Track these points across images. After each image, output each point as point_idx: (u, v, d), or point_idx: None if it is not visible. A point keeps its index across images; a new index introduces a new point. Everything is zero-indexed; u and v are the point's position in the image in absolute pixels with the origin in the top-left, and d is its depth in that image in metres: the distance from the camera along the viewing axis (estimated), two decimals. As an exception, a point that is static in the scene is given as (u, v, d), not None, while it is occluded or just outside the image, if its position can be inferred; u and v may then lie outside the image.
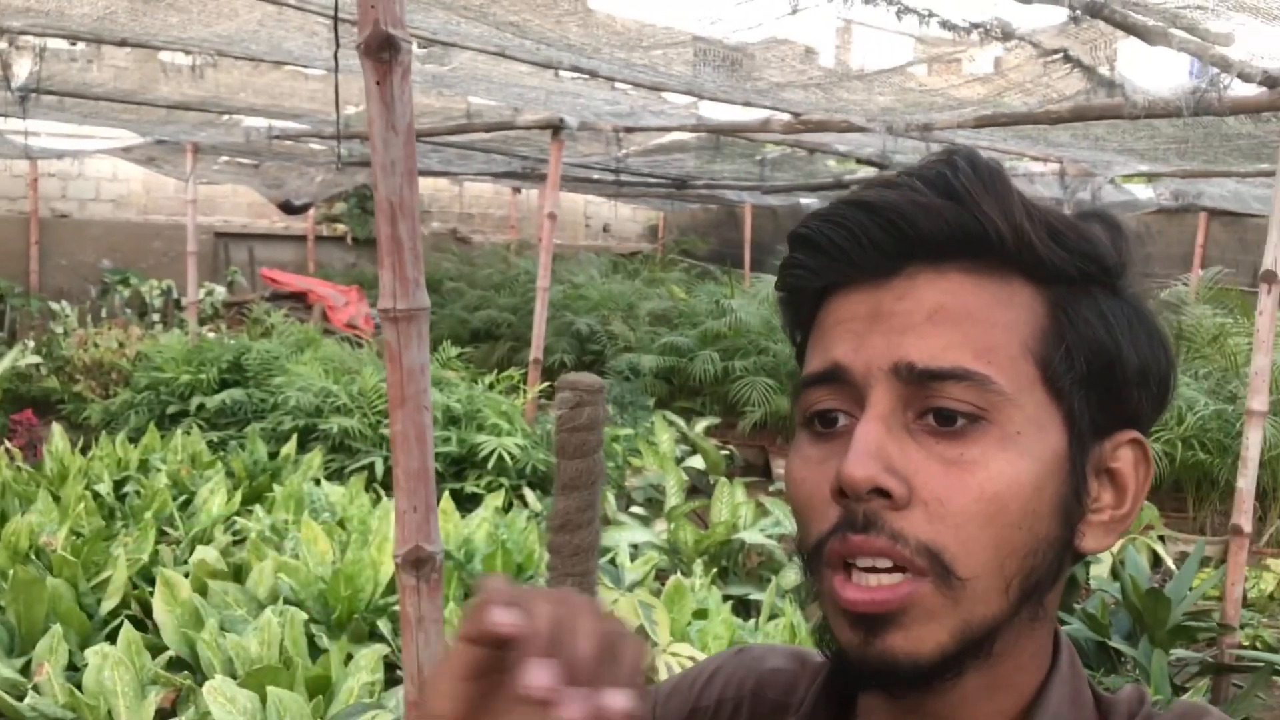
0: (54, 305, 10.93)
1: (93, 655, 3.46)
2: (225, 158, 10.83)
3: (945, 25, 2.82)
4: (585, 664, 0.51)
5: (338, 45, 2.65)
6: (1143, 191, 8.78)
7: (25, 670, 3.58)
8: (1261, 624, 5.37)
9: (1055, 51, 3.15)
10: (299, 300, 11.37)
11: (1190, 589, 4.22)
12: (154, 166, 11.39)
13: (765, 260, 14.39)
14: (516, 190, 15.62)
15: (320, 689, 3.21)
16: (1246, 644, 4.82)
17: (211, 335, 9.03)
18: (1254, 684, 3.91)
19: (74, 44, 5.80)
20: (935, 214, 0.63)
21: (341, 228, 14.82)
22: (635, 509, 5.85)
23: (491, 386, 7.09)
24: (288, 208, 12.77)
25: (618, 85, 4.70)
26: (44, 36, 4.33)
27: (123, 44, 4.61)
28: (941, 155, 0.66)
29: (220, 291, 12.25)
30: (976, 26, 2.90)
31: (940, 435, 0.62)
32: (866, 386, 0.63)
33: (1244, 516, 3.97)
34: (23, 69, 4.90)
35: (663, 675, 2.03)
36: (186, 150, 8.99)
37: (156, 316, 12.03)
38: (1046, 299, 0.65)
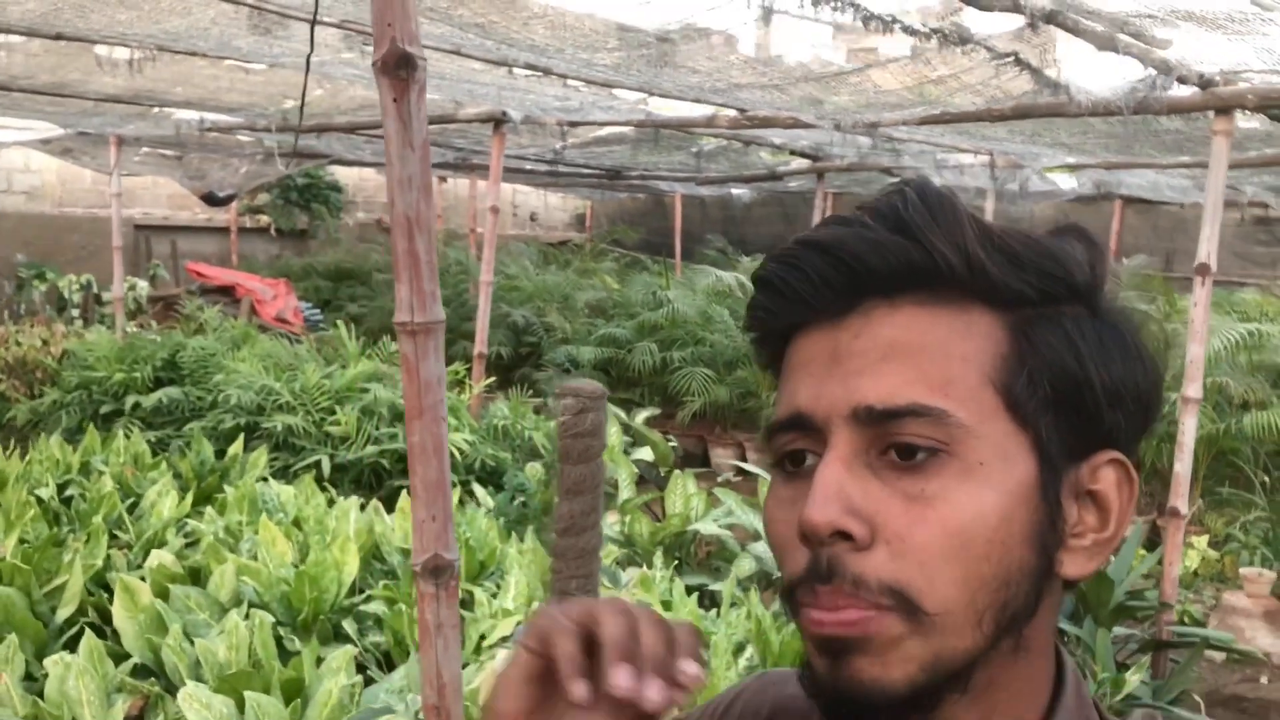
0: (-31, 302, 10.59)
1: (53, 664, 3.41)
2: (146, 149, 10.58)
3: (907, 30, 2.91)
4: (654, 657, 0.59)
5: (312, 49, 2.65)
6: (1066, 181, 9.06)
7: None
8: (1188, 600, 5.63)
9: (1007, 55, 3.27)
10: (225, 294, 11.17)
11: (1130, 569, 4.40)
12: (71, 158, 11.07)
13: (694, 249, 14.52)
14: (443, 180, 15.48)
15: (294, 692, 3.20)
16: (1175, 620, 5.05)
17: (137, 331, 8.83)
18: (1191, 658, 4.10)
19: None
20: (883, 249, 0.64)
21: (265, 219, 14.57)
22: (584, 501, 5.89)
23: (435, 381, 7.06)
24: (211, 199, 12.51)
25: (570, 82, 4.73)
26: (-20, 31, 4.22)
27: (58, 38, 4.50)
28: (894, 187, 0.66)
29: (143, 286, 11.96)
30: (935, 32, 2.99)
31: (902, 470, 0.62)
32: (828, 431, 0.63)
33: (1180, 499, 4.15)
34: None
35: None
36: (110, 142, 8.77)
37: (76, 312, 11.71)
38: (1008, 324, 0.64)
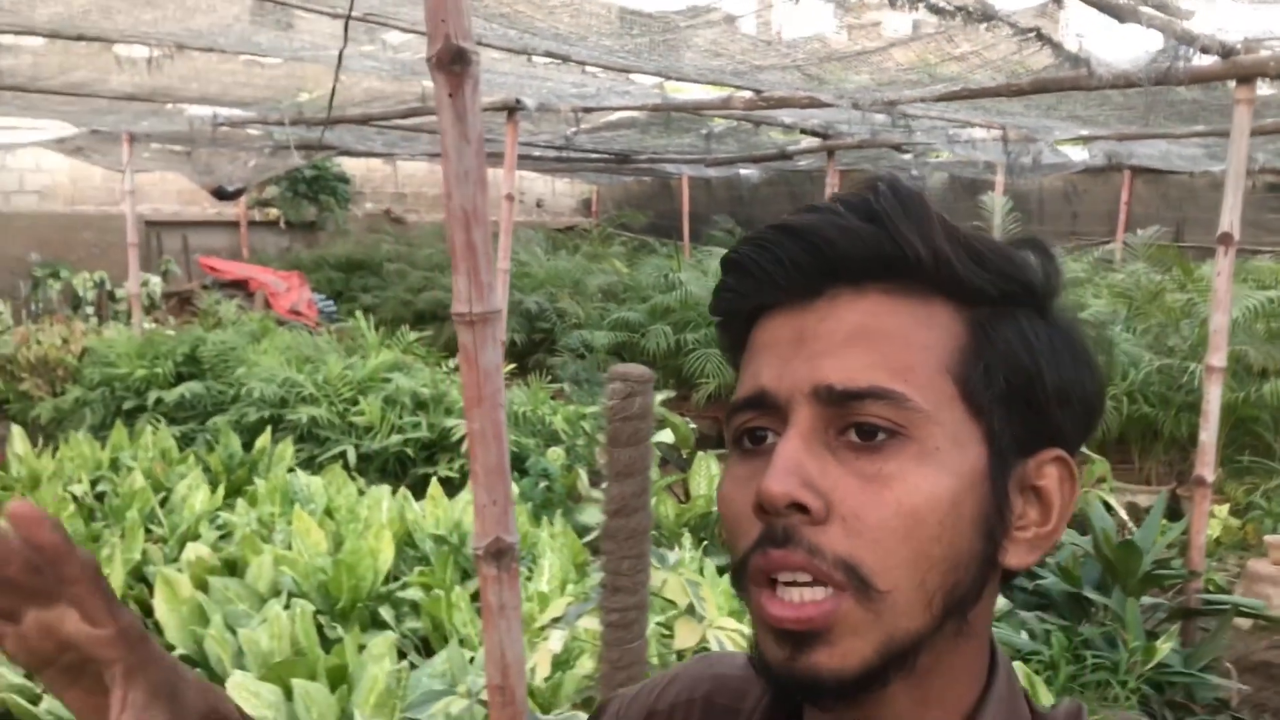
0: (-14, 302, 10.66)
1: (100, 658, 3.47)
2: (156, 145, 10.62)
3: (931, 9, 2.92)
4: None
5: (345, 42, 2.67)
6: (1077, 153, 9.05)
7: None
8: (1213, 568, 5.65)
9: (1030, 30, 3.28)
10: (239, 288, 11.22)
11: (1156, 539, 4.43)
12: (82, 156, 11.11)
13: (702, 231, 14.52)
14: (451, 168, 15.47)
15: (339, 679, 3.25)
16: (1202, 588, 5.09)
17: (154, 327, 8.89)
18: (1222, 626, 4.13)
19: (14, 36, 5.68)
20: (854, 235, 0.65)
21: (274, 212, 14.59)
22: (607, 485, 5.93)
23: (457, 369, 7.11)
24: (220, 193, 12.53)
25: (589, 69, 4.75)
26: (2, 34, 4.24)
27: (79, 39, 4.53)
28: (866, 182, 0.68)
29: (156, 282, 12.02)
30: (960, 9, 3.01)
31: (859, 450, 0.63)
32: (789, 409, 0.65)
33: (1206, 468, 4.18)
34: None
35: (714, 648, 2.13)
36: (122, 140, 8.81)
37: (90, 310, 11.78)
38: (967, 319, 0.66)
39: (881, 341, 0.64)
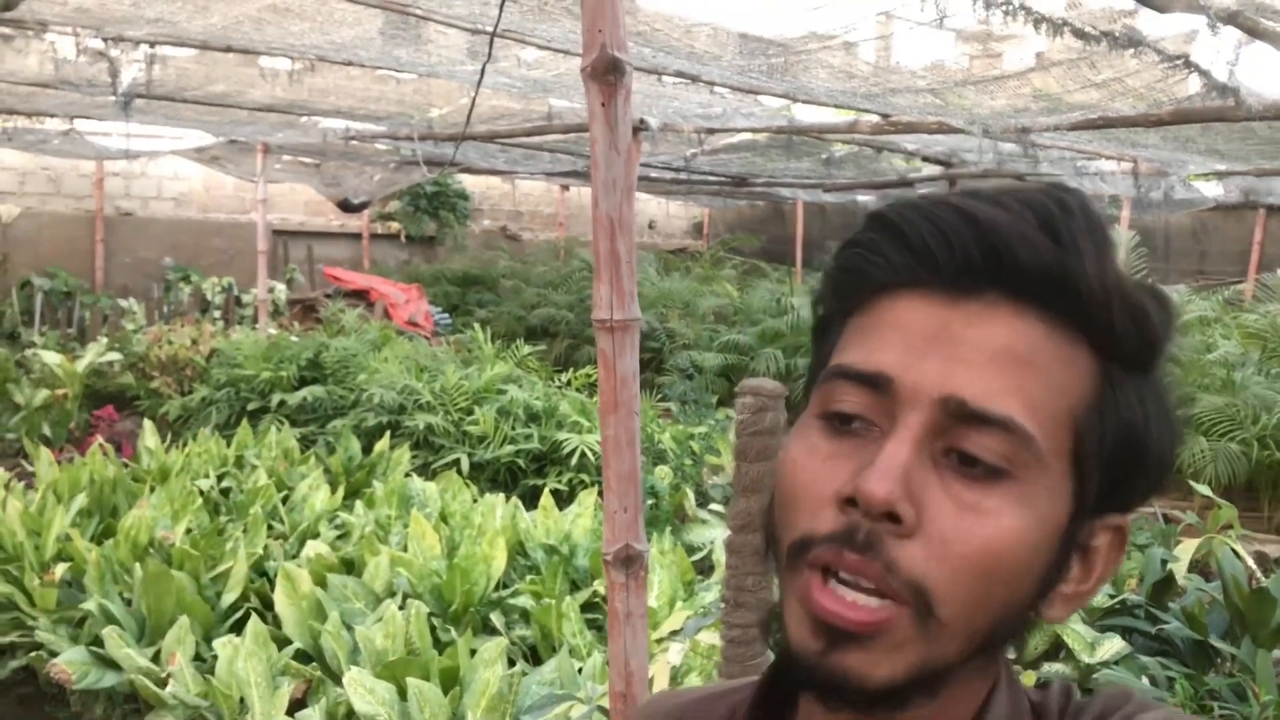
0: (123, 302, 11.14)
1: (222, 646, 3.59)
2: (287, 157, 11.00)
3: (1076, 34, 2.87)
4: None
5: (489, 58, 2.73)
6: (1210, 189, 8.76)
7: (156, 659, 3.71)
8: (1348, 624, 5.37)
9: (1178, 57, 3.19)
10: (360, 298, 11.53)
11: (1292, 589, 4.23)
12: (218, 166, 11.58)
13: (815, 258, 14.43)
14: (565, 188, 15.70)
15: (450, 681, 3.30)
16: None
17: (275, 333, 9.19)
18: (1360, 684, 3.92)
19: (153, 47, 5.95)
20: (1036, 250, 0.61)
21: (395, 226, 14.97)
22: (714, 506, 5.92)
23: (569, 383, 7.19)
24: (346, 206, 12.94)
25: (717, 89, 4.78)
26: (157, 44, 4.45)
27: (228, 50, 4.73)
28: (1052, 191, 0.63)
29: (281, 288, 12.42)
30: (1105, 35, 2.94)
31: (963, 476, 0.60)
32: (907, 407, 0.61)
33: (1348, 517, 3.99)
34: (127, 75, 5.03)
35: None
36: (257, 150, 9.14)
37: (218, 314, 12.23)
38: (1102, 371, 0.63)
39: (1026, 371, 0.61)
